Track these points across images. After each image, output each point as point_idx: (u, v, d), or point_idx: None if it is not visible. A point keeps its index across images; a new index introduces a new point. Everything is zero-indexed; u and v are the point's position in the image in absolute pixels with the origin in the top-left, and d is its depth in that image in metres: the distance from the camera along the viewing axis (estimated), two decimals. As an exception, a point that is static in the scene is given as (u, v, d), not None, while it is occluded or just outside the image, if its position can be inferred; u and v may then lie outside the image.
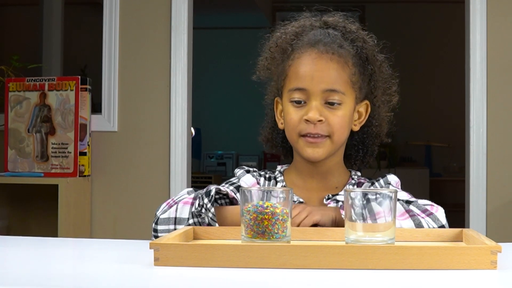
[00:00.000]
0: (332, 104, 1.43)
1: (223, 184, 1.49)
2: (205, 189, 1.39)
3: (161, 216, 1.39)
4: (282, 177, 1.53)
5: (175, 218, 1.37)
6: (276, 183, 1.53)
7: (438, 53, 6.31)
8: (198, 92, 4.29)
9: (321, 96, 1.43)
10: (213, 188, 1.37)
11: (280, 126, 1.52)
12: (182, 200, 1.39)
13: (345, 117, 1.45)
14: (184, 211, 1.37)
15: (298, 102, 1.44)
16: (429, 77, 6.36)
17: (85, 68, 4.69)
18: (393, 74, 1.56)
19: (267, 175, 1.54)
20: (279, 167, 1.57)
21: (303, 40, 1.48)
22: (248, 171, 1.53)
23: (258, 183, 1.52)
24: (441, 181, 6.20)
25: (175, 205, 1.39)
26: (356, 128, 1.51)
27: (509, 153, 3.01)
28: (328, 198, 1.46)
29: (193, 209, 1.36)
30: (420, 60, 6.32)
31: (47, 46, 4.18)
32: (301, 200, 1.46)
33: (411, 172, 5.88)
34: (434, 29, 6.36)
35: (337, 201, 1.46)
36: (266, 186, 1.52)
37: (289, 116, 1.46)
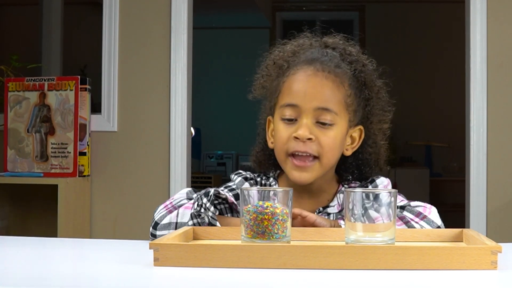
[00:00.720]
0: (323, 124, 1.39)
1: (222, 188, 1.47)
2: (203, 191, 1.38)
3: (162, 222, 1.36)
4: (277, 185, 1.50)
5: (176, 223, 1.35)
6: None
7: (438, 53, 6.31)
8: (198, 92, 4.30)
9: (312, 114, 1.39)
10: (212, 190, 1.36)
11: (270, 145, 1.48)
12: (183, 205, 1.37)
13: (336, 138, 1.41)
14: (185, 216, 1.35)
15: (290, 120, 1.40)
16: (429, 77, 6.36)
17: (84, 68, 4.69)
18: (390, 101, 1.52)
19: (262, 182, 1.51)
20: (272, 174, 1.53)
21: (300, 58, 1.46)
22: (246, 179, 1.50)
23: None
24: (441, 181, 6.20)
25: (176, 211, 1.36)
26: (348, 153, 1.47)
27: (509, 153, 3.01)
28: (319, 212, 1.44)
29: (192, 210, 1.35)
30: (420, 60, 6.33)
31: (46, 46, 4.18)
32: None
33: (411, 172, 5.88)
34: (434, 29, 6.36)
35: (328, 214, 1.44)
36: (256, 187, 1.48)
37: (279, 134, 1.42)
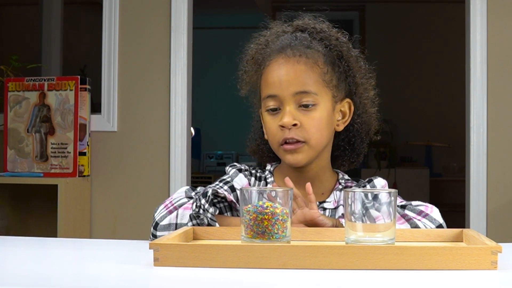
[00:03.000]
0: (306, 106, 1.41)
1: (217, 183, 1.47)
2: (202, 190, 1.38)
3: (162, 223, 1.37)
4: (272, 178, 1.52)
5: (176, 224, 1.35)
6: (266, 184, 1.51)
7: (438, 53, 6.31)
8: (198, 92, 4.30)
9: (293, 99, 1.41)
10: (209, 189, 1.36)
11: (265, 137, 1.51)
12: (183, 205, 1.38)
13: (322, 118, 1.42)
14: (184, 217, 1.35)
15: (274, 110, 1.43)
16: (429, 77, 6.36)
17: (84, 68, 4.69)
18: (369, 68, 1.54)
19: (257, 174, 1.52)
20: (268, 166, 1.55)
21: (271, 48, 1.47)
22: (240, 170, 1.51)
23: (249, 184, 1.50)
24: (441, 181, 6.20)
25: (175, 211, 1.37)
26: (340, 128, 1.49)
27: (509, 153, 3.01)
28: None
29: (191, 211, 1.35)
30: (420, 60, 6.32)
31: (46, 46, 4.18)
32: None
33: (411, 172, 5.88)
34: (434, 29, 6.36)
35: (324, 209, 1.45)
36: (257, 187, 1.50)
37: (268, 126, 1.45)
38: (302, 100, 1.41)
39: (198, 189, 1.47)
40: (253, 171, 1.53)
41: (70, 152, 3.02)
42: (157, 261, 1.05)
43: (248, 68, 1.53)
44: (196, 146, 6.34)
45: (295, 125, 1.40)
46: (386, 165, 5.86)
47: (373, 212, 1.10)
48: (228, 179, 1.49)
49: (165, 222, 1.37)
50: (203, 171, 6.70)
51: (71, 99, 3.04)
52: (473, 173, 3.01)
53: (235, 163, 1.54)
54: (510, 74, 3.03)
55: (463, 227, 1.30)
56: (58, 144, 3.04)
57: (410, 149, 6.33)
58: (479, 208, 2.99)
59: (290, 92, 1.41)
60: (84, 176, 3.07)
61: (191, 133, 3.37)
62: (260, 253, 1.04)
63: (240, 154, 6.86)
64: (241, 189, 1.17)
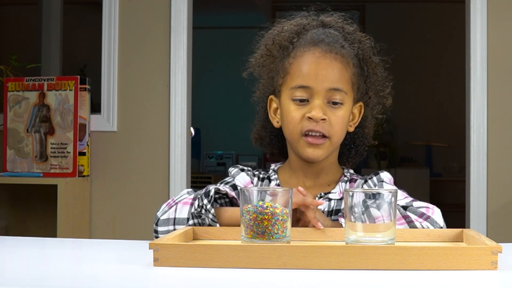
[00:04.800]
0: (335, 103, 1.43)
1: (218, 184, 1.48)
2: (204, 190, 1.38)
3: (161, 217, 1.39)
4: (276, 175, 1.53)
5: (174, 218, 1.37)
6: (270, 182, 1.52)
7: (439, 53, 6.31)
8: (198, 92, 4.29)
9: (324, 95, 1.43)
10: (212, 188, 1.37)
11: (276, 124, 1.51)
12: (182, 200, 1.39)
13: (345, 118, 1.45)
14: (183, 212, 1.37)
15: (301, 101, 1.44)
16: (430, 77, 6.36)
17: (84, 68, 4.68)
18: (387, 77, 1.57)
19: (261, 175, 1.54)
20: (273, 166, 1.56)
21: (305, 39, 1.48)
22: (242, 170, 1.53)
23: (252, 183, 1.51)
24: (441, 181, 6.20)
25: (175, 206, 1.39)
26: (351, 129, 1.52)
27: (509, 153, 3.01)
28: (321, 197, 1.46)
29: (192, 210, 1.35)
30: (420, 60, 6.32)
31: (46, 45, 4.18)
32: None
33: (411, 172, 5.87)
34: (434, 29, 6.36)
35: (330, 199, 1.46)
36: (259, 186, 1.51)
37: (291, 114, 1.45)
38: (333, 97, 1.43)
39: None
40: (256, 172, 1.54)
41: (69, 152, 3.02)
42: (157, 261, 1.05)
43: (269, 53, 1.52)
44: (196, 146, 6.33)
45: (323, 119, 1.42)
46: (386, 165, 5.85)
47: (373, 212, 1.10)
48: (230, 180, 1.51)
49: (164, 216, 1.39)
50: (203, 171, 6.70)
51: (70, 99, 3.04)
52: (473, 173, 3.01)
53: (237, 165, 1.56)
54: (510, 74, 3.03)
55: (463, 227, 1.30)
56: (58, 144, 3.04)
57: (410, 149, 6.33)
58: (479, 208, 2.99)
59: (324, 87, 1.42)
60: (84, 176, 3.07)
61: (191, 133, 3.37)
62: (260, 253, 1.03)
63: (240, 154, 6.86)
64: (241, 189, 1.17)
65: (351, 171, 1.55)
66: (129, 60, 3.18)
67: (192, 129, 3.76)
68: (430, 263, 1.02)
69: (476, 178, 3.00)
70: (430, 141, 6.28)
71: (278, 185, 1.50)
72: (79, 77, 3.06)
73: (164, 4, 3.15)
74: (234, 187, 1.47)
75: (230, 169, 1.54)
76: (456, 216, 3.09)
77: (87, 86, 3.06)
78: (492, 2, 3.01)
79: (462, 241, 1.24)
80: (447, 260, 1.02)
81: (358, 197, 1.11)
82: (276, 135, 1.55)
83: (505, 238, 2.87)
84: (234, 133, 7.08)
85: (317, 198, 1.45)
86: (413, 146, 6.30)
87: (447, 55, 6.15)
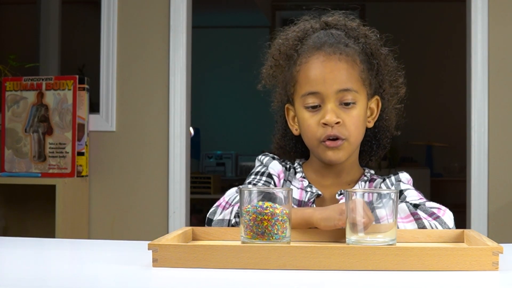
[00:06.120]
0: (347, 104, 1.43)
1: (253, 176, 1.49)
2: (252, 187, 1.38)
3: (216, 218, 1.36)
4: (301, 169, 1.53)
5: (229, 220, 1.35)
6: (296, 173, 1.52)
7: (439, 53, 6.31)
8: (197, 92, 4.29)
9: (335, 97, 1.43)
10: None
11: (295, 132, 1.52)
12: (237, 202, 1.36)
13: (360, 116, 1.45)
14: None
15: (313, 107, 1.44)
16: (430, 76, 6.36)
17: (83, 68, 4.68)
18: (398, 66, 1.57)
19: (287, 165, 1.55)
20: (297, 160, 1.57)
21: (307, 44, 1.48)
22: (273, 158, 1.53)
23: (284, 170, 1.52)
24: (442, 181, 6.20)
25: (230, 208, 1.36)
26: (370, 125, 1.52)
27: (510, 153, 3.00)
28: (341, 194, 1.46)
29: (237, 209, 1.34)
30: (420, 60, 6.32)
31: (44, 45, 4.18)
32: (319, 192, 1.47)
33: (412, 172, 5.80)
34: (435, 29, 6.36)
35: None
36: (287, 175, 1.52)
37: (306, 123, 1.45)
38: (344, 98, 1.43)
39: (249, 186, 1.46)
40: (283, 163, 1.55)
41: (68, 152, 3.01)
42: (156, 262, 1.05)
43: (277, 63, 1.53)
44: (195, 146, 6.33)
45: (337, 123, 1.42)
46: (386, 165, 5.85)
47: (374, 212, 1.10)
48: (263, 169, 1.51)
49: (219, 217, 1.36)
50: (202, 171, 6.70)
51: (69, 98, 3.03)
52: (474, 173, 3.00)
53: (266, 152, 1.56)
54: (511, 74, 3.02)
55: (464, 227, 1.29)
56: (56, 144, 3.03)
57: (410, 149, 6.33)
58: (480, 209, 2.98)
59: (333, 90, 1.42)
60: (83, 176, 3.06)
61: (191, 133, 3.36)
62: (260, 253, 1.03)
63: (240, 154, 6.86)
64: (241, 189, 1.16)
65: (372, 171, 1.55)
66: (128, 59, 3.17)
67: (191, 129, 3.76)
68: (431, 264, 1.02)
69: (477, 178, 3.00)
70: (430, 141, 6.28)
71: (304, 177, 1.51)
72: (77, 76, 3.05)
73: (163, 3, 3.15)
74: (270, 176, 1.48)
75: (260, 157, 1.54)
76: (456, 216, 3.08)
77: (86, 86, 3.06)
78: (493, 2, 3.01)
79: (463, 242, 1.24)
80: (448, 261, 1.02)
81: (358, 197, 1.10)
82: (297, 141, 1.56)
83: (506, 239, 2.86)
84: (234, 133, 7.09)
85: (336, 195, 1.46)
86: (414, 146, 6.30)
87: (447, 55, 6.15)
